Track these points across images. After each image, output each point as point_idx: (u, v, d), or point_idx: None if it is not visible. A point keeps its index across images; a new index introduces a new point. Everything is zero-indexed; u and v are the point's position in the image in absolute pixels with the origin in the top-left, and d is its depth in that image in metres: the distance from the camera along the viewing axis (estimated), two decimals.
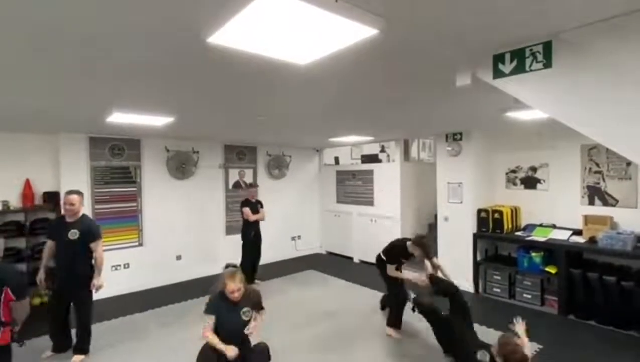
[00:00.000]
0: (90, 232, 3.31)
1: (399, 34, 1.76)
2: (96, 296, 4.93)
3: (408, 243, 3.73)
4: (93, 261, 3.36)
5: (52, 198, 4.71)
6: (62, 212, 3.43)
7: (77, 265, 3.27)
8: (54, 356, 3.37)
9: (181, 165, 5.85)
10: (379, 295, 5.06)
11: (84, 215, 3.39)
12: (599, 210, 4.45)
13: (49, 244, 3.38)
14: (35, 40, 1.76)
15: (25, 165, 4.69)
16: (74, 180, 4.90)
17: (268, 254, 6.83)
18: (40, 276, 3.32)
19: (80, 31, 1.66)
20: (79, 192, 3.36)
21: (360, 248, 7.04)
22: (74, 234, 3.23)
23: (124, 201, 5.38)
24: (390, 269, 3.84)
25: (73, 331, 3.46)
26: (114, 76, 2.39)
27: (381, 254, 4.03)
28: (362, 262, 6.96)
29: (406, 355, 3.38)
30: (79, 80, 2.45)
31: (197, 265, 6.00)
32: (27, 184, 4.64)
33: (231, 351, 2.54)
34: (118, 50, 1.93)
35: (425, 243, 3.69)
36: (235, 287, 2.66)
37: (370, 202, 6.85)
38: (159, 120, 3.95)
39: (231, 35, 1.69)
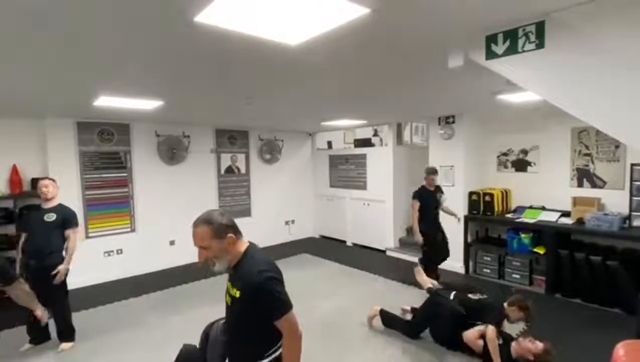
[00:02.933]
0: (67, 218, 3.26)
1: (392, 13, 1.73)
2: (89, 281, 4.99)
3: (506, 305, 2.99)
4: (64, 251, 3.26)
5: None
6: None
7: (51, 250, 3.16)
8: (32, 349, 3.28)
9: (172, 150, 5.78)
10: (372, 277, 5.15)
11: (60, 203, 3.33)
12: (587, 192, 4.53)
13: (23, 236, 3.28)
14: (18, 21, 1.69)
15: (11, 150, 4.59)
16: (62, 165, 4.83)
17: (262, 239, 6.88)
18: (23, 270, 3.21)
19: (62, 11, 1.60)
20: (51, 179, 3.35)
21: (354, 231, 7.11)
22: (50, 216, 3.19)
23: (115, 187, 5.32)
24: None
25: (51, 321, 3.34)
26: (99, 58, 2.32)
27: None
28: (355, 245, 7.05)
29: (400, 337, 3.45)
30: (63, 62, 2.38)
31: (191, 250, 5.95)
32: (14, 170, 4.55)
33: None
34: (102, 30, 1.86)
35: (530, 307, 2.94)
36: None
37: (363, 186, 6.88)
38: (148, 104, 3.88)
39: (219, 14, 1.64)
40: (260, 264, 1.49)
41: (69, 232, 3.26)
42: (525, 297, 3.05)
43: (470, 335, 2.91)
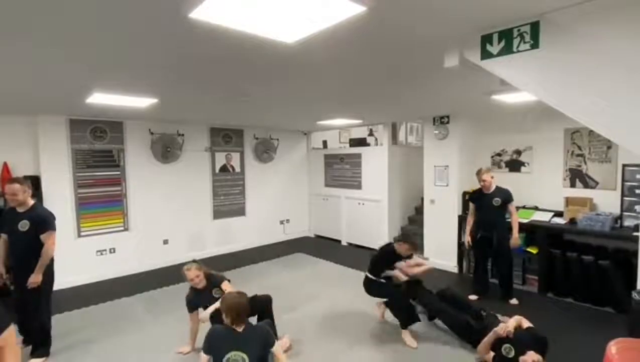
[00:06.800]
0: (39, 223, 2.99)
1: (387, 12, 1.73)
2: (81, 281, 4.94)
3: (394, 244, 3.53)
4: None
5: (32, 183, 4.55)
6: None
7: (29, 259, 2.95)
8: (24, 349, 3.13)
9: (166, 149, 5.73)
10: None
11: (35, 203, 3.09)
12: (579, 192, 4.58)
13: (3, 237, 3.10)
14: (9, 15, 1.66)
15: (1, 148, 4.52)
16: (54, 163, 4.78)
17: (257, 238, 6.88)
18: (0, 270, 3.08)
19: (55, 7, 1.58)
20: (20, 180, 3.07)
21: (348, 231, 7.12)
22: (24, 225, 2.95)
23: (108, 185, 5.27)
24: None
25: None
26: (92, 55, 2.29)
27: (369, 275, 3.64)
28: (350, 244, 7.06)
29: (398, 335, 3.46)
30: (56, 59, 2.35)
31: (185, 249, 5.97)
32: (5, 168, 4.48)
33: None
34: (96, 27, 1.84)
35: (409, 235, 3.59)
36: (193, 274, 2.95)
37: (358, 186, 6.89)
38: (142, 102, 3.84)
39: (214, 10, 1.63)
40: None
41: (43, 238, 3.00)
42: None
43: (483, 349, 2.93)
